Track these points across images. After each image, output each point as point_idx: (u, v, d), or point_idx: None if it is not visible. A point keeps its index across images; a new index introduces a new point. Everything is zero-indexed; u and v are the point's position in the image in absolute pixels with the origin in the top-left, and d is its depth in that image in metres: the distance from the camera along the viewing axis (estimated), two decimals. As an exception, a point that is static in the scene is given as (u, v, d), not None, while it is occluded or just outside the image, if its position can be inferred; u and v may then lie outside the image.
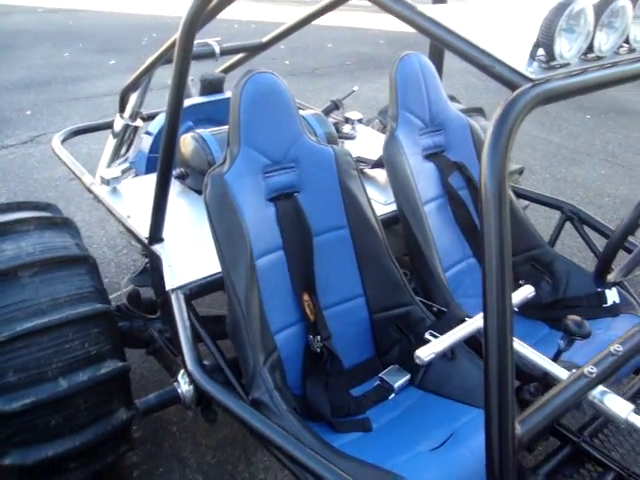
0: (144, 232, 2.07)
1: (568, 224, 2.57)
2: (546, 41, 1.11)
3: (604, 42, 1.21)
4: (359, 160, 2.54)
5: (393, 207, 2.30)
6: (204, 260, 1.98)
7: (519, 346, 1.42)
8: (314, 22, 2.55)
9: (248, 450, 2.32)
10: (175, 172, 2.36)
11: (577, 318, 1.60)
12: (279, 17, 6.06)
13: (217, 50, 2.61)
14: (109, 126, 2.94)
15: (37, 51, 8.31)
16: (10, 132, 5.42)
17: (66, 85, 6.84)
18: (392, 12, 1.18)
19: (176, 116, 1.78)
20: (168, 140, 1.81)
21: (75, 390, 1.75)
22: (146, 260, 2.36)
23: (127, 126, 2.86)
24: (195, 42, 1.74)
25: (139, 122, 2.89)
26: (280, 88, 1.89)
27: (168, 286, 1.88)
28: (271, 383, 1.63)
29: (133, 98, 2.79)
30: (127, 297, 2.25)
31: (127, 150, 2.94)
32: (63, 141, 2.84)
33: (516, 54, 1.13)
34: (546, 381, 1.64)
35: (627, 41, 1.27)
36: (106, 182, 2.38)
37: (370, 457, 1.50)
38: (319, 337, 1.86)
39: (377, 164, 2.54)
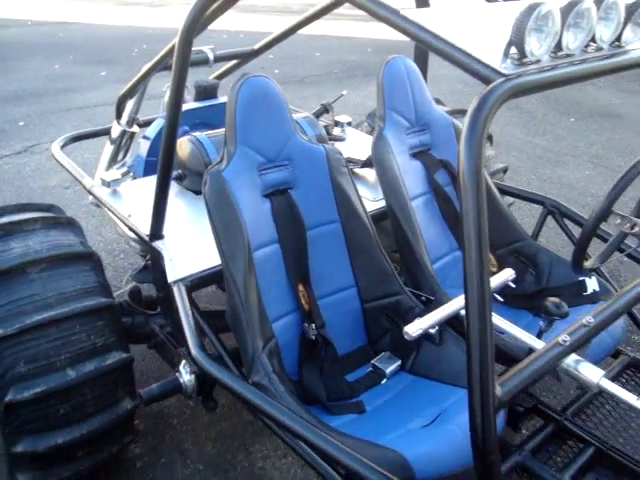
0: (145, 230, 2.17)
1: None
2: (517, 40, 1.22)
3: (572, 41, 1.32)
4: (349, 160, 2.65)
5: (382, 203, 2.41)
6: (203, 254, 2.08)
7: (498, 320, 1.52)
8: (302, 31, 2.67)
9: (247, 441, 2.40)
10: (173, 174, 2.45)
11: (556, 299, 1.71)
12: (267, 27, 6.17)
13: (211, 57, 2.72)
14: (107, 132, 3.03)
15: (28, 63, 8.39)
16: (4, 143, 5.50)
17: (58, 96, 6.93)
18: (376, 15, 1.29)
19: (175, 118, 1.88)
20: (168, 140, 1.90)
21: (82, 380, 1.84)
22: (143, 261, 2.45)
23: (124, 132, 2.95)
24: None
25: (136, 128, 2.98)
26: (273, 91, 2.00)
27: (170, 278, 1.97)
28: (269, 367, 1.72)
29: (130, 105, 2.88)
30: (128, 294, 2.34)
31: (124, 155, 3.03)
32: (62, 147, 2.92)
33: (491, 52, 1.24)
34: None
35: (594, 40, 1.38)
36: (107, 184, 2.47)
37: (364, 435, 1.61)
38: (314, 325, 1.96)
39: (366, 164, 2.65)
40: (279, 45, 2.90)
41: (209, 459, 2.32)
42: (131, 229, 2.27)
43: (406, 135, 2.43)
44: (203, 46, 2.76)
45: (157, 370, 2.68)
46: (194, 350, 1.75)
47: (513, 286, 2.40)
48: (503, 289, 2.38)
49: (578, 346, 1.26)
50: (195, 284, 1.99)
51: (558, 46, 1.29)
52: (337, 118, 3.16)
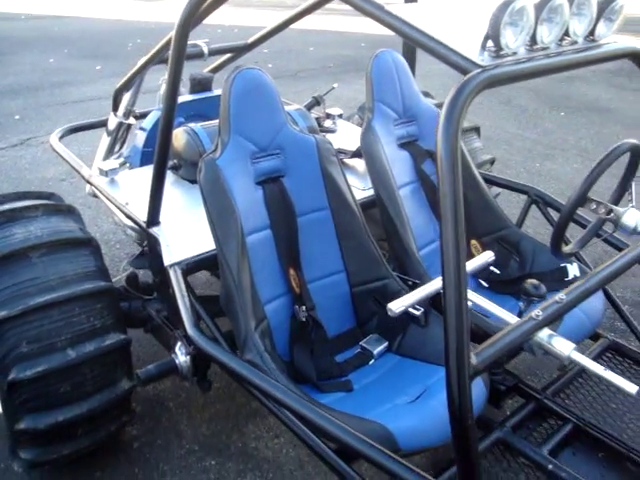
0: (142, 217, 2.24)
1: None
2: (494, 33, 1.30)
3: (546, 35, 1.40)
4: (340, 151, 2.72)
5: (371, 192, 2.48)
6: (198, 240, 2.15)
7: (475, 297, 1.61)
8: (296, 26, 2.75)
9: (240, 423, 2.48)
10: (168, 164, 2.52)
11: (534, 281, 1.80)
12: (261, 21, 6.22)
13: (206, 50, 2.80)
14: (104, 124, 3.10)
15: (23, 57, 8.43)
16: (0, 136, 5.56)
17: (53, 90, 6.98)
18: (362, 10, 1.37)
19: (171, 109, 1.94)
20: (164, 130, 1.98)
21: (82, 359, 1.91)
22: (140, 249, 2.52)
23: (121, 124, 3.01)
24: None
25: (132, 120, 3.05)
26: (266, 82, 2.08)
27: (166, 262, 2.05)
28: (262, 346, 1.80)
29: (126, 97, 2.95)
30: (126, 280, 2.42)
31: (120, 147, 3.10)
32: (61, 138, 2.99)
33: (469, 45, 1.32)
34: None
35: (569, 34, 1.46)
36: (104, 173, 2.54)
37: (352, 410, 1.69)
38: (304, 307, 2.05)
39: (355, 154, 2.73)
40: (273, 39, 2.98)
41: (204, 440, 2.40)
42: (128, 216, 2.35)
43: (394, 126, 2.51)
44: (198, 40, 2.83)
45: (153, 354, 2.75)
46: (190, 330, 1.83)
47: (497, 272, 2.51)
48: (487, 274, 2.49)
49: (551, 321, 1.35)
50: (190, 268, 2.07)
51: (533, 40, 1.38)
52: (328, 110, 3.24)
